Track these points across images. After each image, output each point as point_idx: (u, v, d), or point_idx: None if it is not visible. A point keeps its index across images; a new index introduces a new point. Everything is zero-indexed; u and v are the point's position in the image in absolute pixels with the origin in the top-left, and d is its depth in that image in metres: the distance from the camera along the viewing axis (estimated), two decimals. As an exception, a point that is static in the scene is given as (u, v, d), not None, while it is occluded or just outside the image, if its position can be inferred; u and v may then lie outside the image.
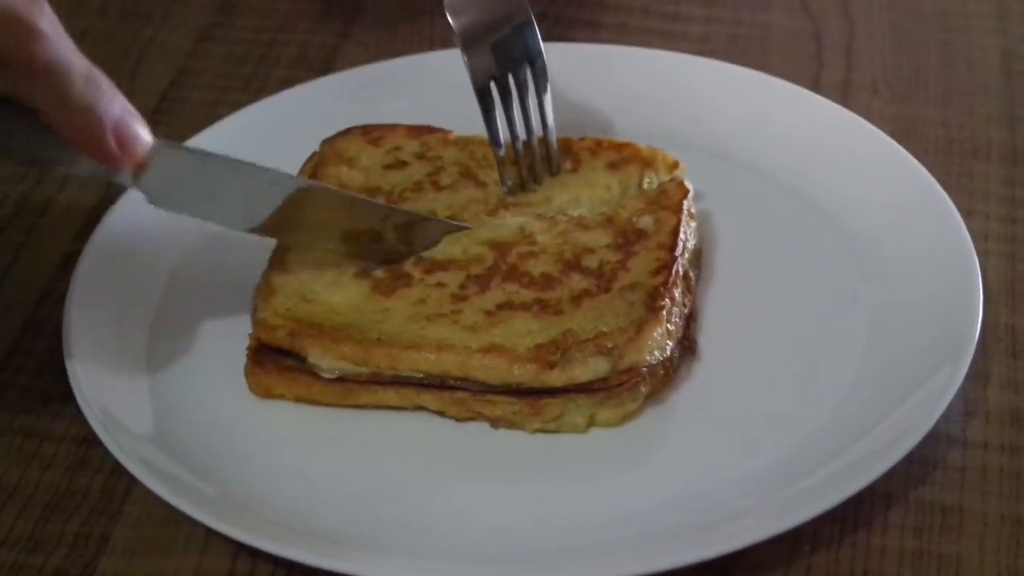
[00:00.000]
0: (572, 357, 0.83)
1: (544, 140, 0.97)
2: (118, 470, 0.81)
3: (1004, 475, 0.83)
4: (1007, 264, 0.96)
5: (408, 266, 0.90)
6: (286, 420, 0.87)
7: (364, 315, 0.87)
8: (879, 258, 0.94)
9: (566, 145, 0.99)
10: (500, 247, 0.91)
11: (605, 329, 0.85)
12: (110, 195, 1.02)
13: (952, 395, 0.82)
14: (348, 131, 1.01)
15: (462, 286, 0.88)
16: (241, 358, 0.88)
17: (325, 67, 1.15)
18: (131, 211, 0.98)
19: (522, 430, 0.85)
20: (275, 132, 1.05)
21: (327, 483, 0.83)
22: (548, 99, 0.96)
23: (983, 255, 0.92)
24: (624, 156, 0.98)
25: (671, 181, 0.96)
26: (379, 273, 0.90)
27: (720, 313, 0.92)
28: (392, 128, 1.01)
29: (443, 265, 0.90)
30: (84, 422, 0.84)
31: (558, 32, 1.19)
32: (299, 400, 0.87)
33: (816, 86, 1.10)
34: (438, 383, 0.85)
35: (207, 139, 1.03)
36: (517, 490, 0.83)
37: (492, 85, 0.96)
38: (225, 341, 0.90)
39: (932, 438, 0.82)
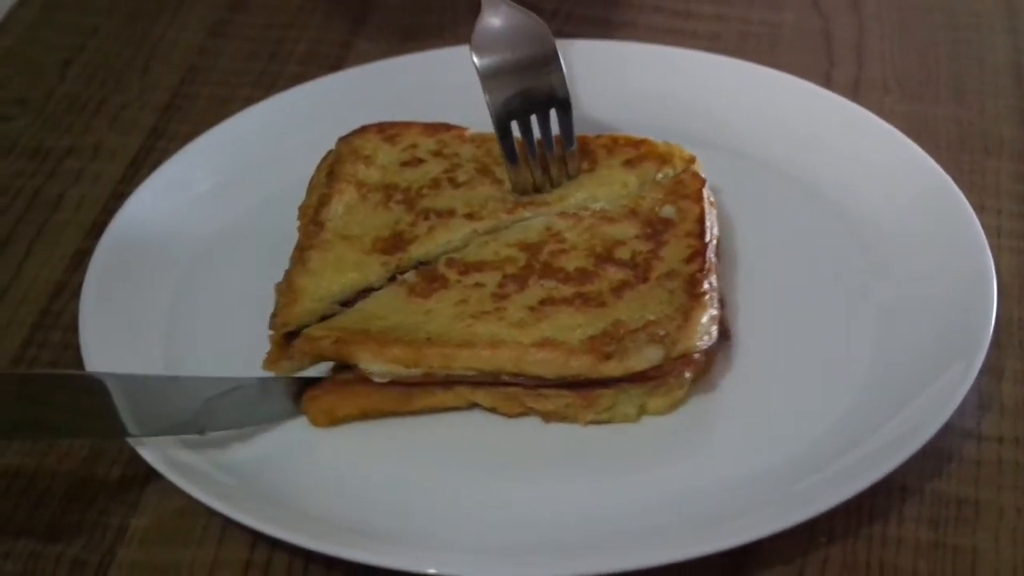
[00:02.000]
0: (627, 347, 0.84)
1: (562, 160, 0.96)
2: (135, 461, 0.81)
3: (1019, 468, 0.83)
4: (1020, 260, 0.96)
5: (441, 268, 0.90)
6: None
7: (408, 317, 0.86)
8: (893, 254, 0.94)
9: (583, 143, 0.99)
10: (530, 247, 0.91)
11: (652, 318, 0.85)
12: (123, 190, 1.02)
13: (967, 389, 0.82)
14: (364, 129, 1.00)
15: (500, 285, 0.88)
16: (255, 347, 0.88)
17: (336, 63, 1.15)
18: (144, 205, 0.98)
19: (575, 423, 0.85)
20: (286, 128, 1.05)
21: (356, 475, 0.83)
22: (572, 136, 0.96)
23: (996, 251, 0.92)
24: (641, 153, 0.98)
25: (685, 171, 0.97)
26: (411, 277, 0.89)
27: (733, 308, 0.92)
28: (408, 125, 1.01)
29: (476, 266, 0.90)
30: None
31: (569, 29, 1.19)
32: (364, 416, 0.86)
33: (827, 84, 1.11)
34: (491, 380, 0.85)
35: (219, 135, 1.04)
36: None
37: (513, 125, 0.95)
38: (240, 332, 0.90)
39: (947, 432, 0.82)
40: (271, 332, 0.87)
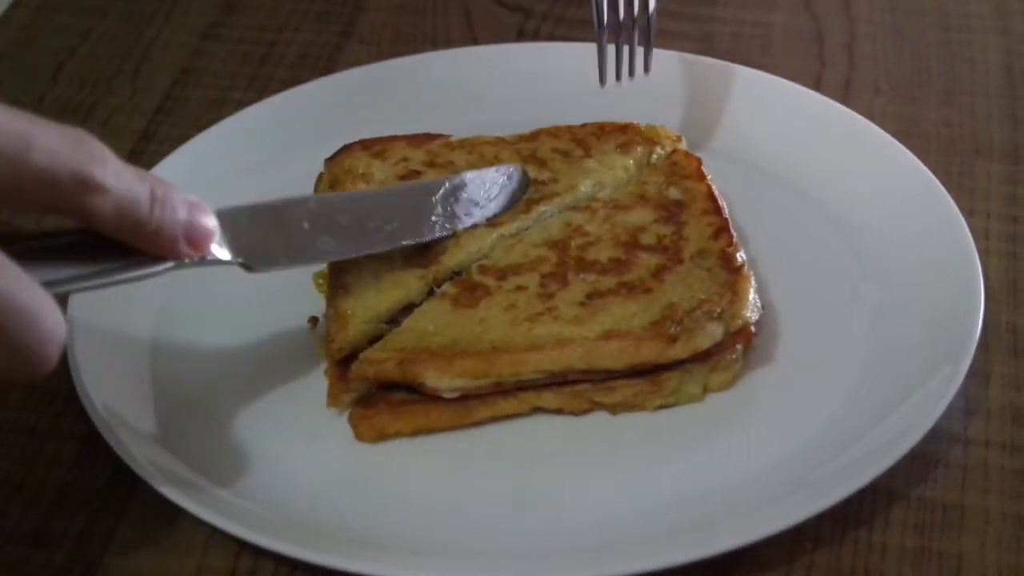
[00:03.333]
0: (690, 327, 0.84)
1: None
2: (122, 468, 0.81)
3: (1005, 473, 0.83)
4: (1008, 263, 0.96)
5: (476, 277, 0.89)
6: (301, 417, 0.87)
7: (464, 330, 0.86)
8: (880, 257, 0.94)
9: (569, 132, 1.00)
10: (557, 245, 0.91)
11: (703, 296, 0.86)
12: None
13: (954, 393, 0.83)
14: (347, 148, 0.99)
15: (542, 285, 0.88)
16: (246, 352, 0.89)
17: (328, 67, 1.15)
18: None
19: (642, 410, 0.86)
20: (278, 132, 1.05)
21: (341, 481, 0.83)
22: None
23: (984, 254, 0.93)
24: (630, 137, 0.99)
25: (676, 152, 0.98)
26: (449, 289, 0.89)
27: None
28: (391, 140, 1.00)
29: (511, 270, 0.90)
30: (88, 420, 0.84)
31: (560, 32, 1.20)
32: (415, 433, 0.85)
33: (818, 85, 1.11)
34: (559, 380, 0.85)
35: (210, 139, 1.04)
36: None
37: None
38: (230, 338, 0.91)
39: (933, 436, 0.82)
40: (327, 360, 0.87)
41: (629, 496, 0.82)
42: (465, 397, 0.84)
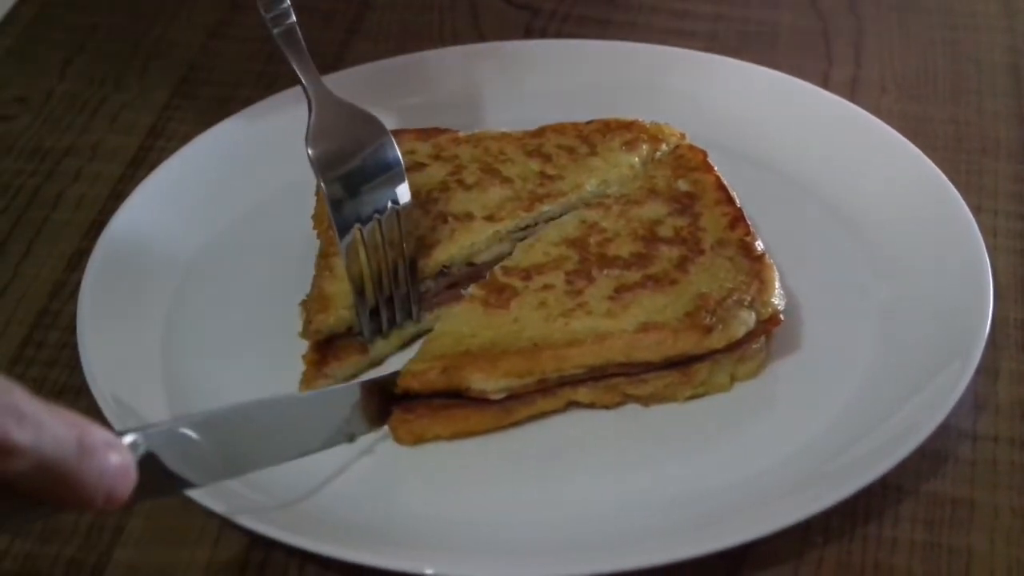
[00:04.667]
0: (724, 317, 0.85)
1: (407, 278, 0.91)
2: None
3: (1015, 469, 0.83)
4: (1017, 260, 0.97)
5: (501, 278, 0.89)
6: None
7: (500, 330, 0.86)
8: (889, 254, 0.94)
9: (575, 129, 1.00)
10: (576, 243, 0.91)
11: (730, 285, 0.87)
12: (122, 189, 1.03)
13: (963, 389, 0.83)
14: None
15: (568, 282, 0.88)
16: (254, 345, 0.89)
17: (335, 63, 1.15)
18: (143, 205, 0.98)
19: (673, 401, 0.86)
20: (285, 128, 1.05)
21: (349, 474, 0.83)
22: (407, 213, 0.89)
23: (993, 251, 0.93)
24: (635, 134, 0.99)
25: (681, 146, 0.98)
26: (477, 291, 0.89)
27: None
28: (399, 132, 1.00)
29: (535, 270, 0.90)
30: (98, 413, 0.84)
31: (568, 30, 1.20)
32: (454, 437, 0.85)
33: (825, 84, 1.11)
34: (596, 376, 0.85)
35: (218, 135, 1.04)
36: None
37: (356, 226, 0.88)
38: (239, 331, 0.91)
39: (943, 432, 0.82)
40: (306, 340, 0.88)
41: (632, 493, 0.82)
42: (506, 398, 0.84)
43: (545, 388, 0.85)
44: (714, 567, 0.77)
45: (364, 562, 0.76)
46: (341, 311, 0.88)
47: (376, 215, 0.88)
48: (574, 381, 0.85)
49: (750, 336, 0.86)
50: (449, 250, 0.92)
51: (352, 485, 0.82)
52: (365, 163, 0.88)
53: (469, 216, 0.94)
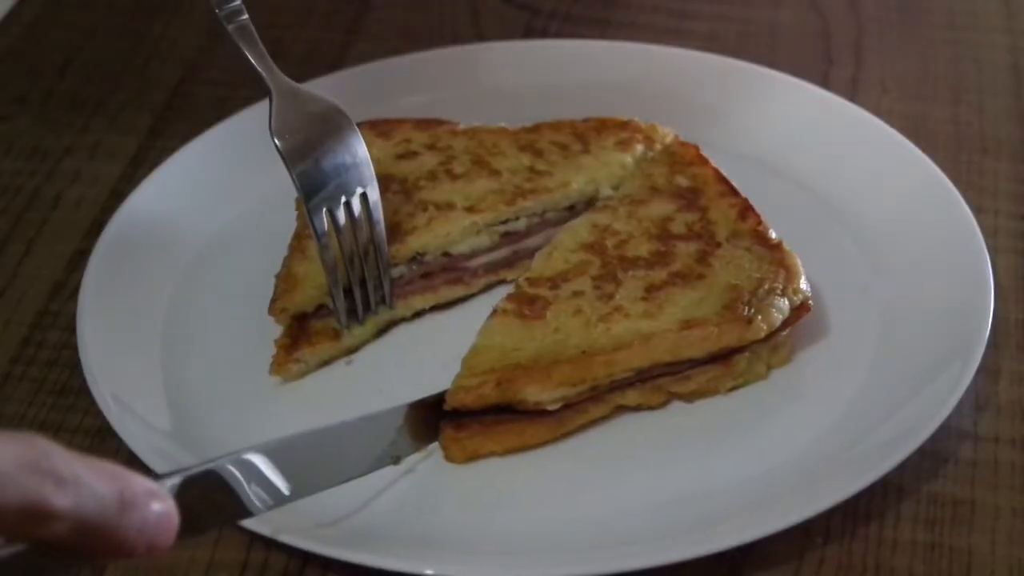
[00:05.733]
0: (761, 308, 0.85)
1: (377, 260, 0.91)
2: (132, 461, 0.81)
3: (1015, 469, 0.83)
4: (1018, 260, 0.96)
5: (527, 289, 0.89)
6: (304, 410, 0.87)
7: (543, 341, 0.85)
8: (890, 254, 0.94)
9: (570, 126, 1.00)
10: (592, 247, 0.91)
11: (758, 275, 0.87)
12: (122, 189, 1.02)
13: (963, 390, 0.83)
14: (357, 125, 1.00)
15: (597, 287, 0.88)
16: (255, 348, 0.89)
17: (335, 63, 1.15)
18: (143, 205, 0.98)
19: (715, 394, 0.87)
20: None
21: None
22: (376, 201, 0.90)
23: (993, 251, 0.93)
24: (629, 134, 0.99)
25: (671, 143, 0.99)
26: (507, 304, 0.88)
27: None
28: (400, 122, 1.02)
29: (561, 277, 0.90)
30: (98, 414, 0.84)
31: (568, 29, 1.20)
32: (507, 452, 0.84)
33: (825, 84, 1.11)
34: (643, 378, 0.85)
35: (217, 135, 1.04)
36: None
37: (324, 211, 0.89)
38: (239, 332, 0.91)
39: (944, 432, 0.82)
40: (272, 317, 0.89)
41: (632, 494, 0.82)
42: (559, 408, 0.84)
43: (596, 395, 0.84)
44: (714, 567, 0.77)
45: (366, 563, 0.76)
46: (309, 291, 0.89)
47: (345, 198, 0.88)
48: (623, 385, 0.85)
49: (784, 324, 0.86)
50: (423, 237, 0.92)
51: (355, 485, 0.81)
52: (330, 147, 0.89)
53: (450, 206, 0.94)
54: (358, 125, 1.00)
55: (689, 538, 0.77)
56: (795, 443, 0.84)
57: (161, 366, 0.89)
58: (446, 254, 0.93)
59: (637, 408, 0.86)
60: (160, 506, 0.61)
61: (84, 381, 0.86)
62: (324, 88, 1.07)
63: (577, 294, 0.88)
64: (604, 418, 0.86)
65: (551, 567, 0.77)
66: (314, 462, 0.76)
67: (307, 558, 0.78)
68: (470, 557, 0.78)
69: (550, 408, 0.83)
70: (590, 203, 0.96)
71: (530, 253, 0.95)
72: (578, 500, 0.82)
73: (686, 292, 0.87)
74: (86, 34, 1.22)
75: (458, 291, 0.94)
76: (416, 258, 0.92)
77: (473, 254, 0.94)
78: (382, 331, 0.93)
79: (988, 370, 0.88)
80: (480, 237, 0.94)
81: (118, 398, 0.84)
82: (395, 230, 0.92)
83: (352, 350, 0.91)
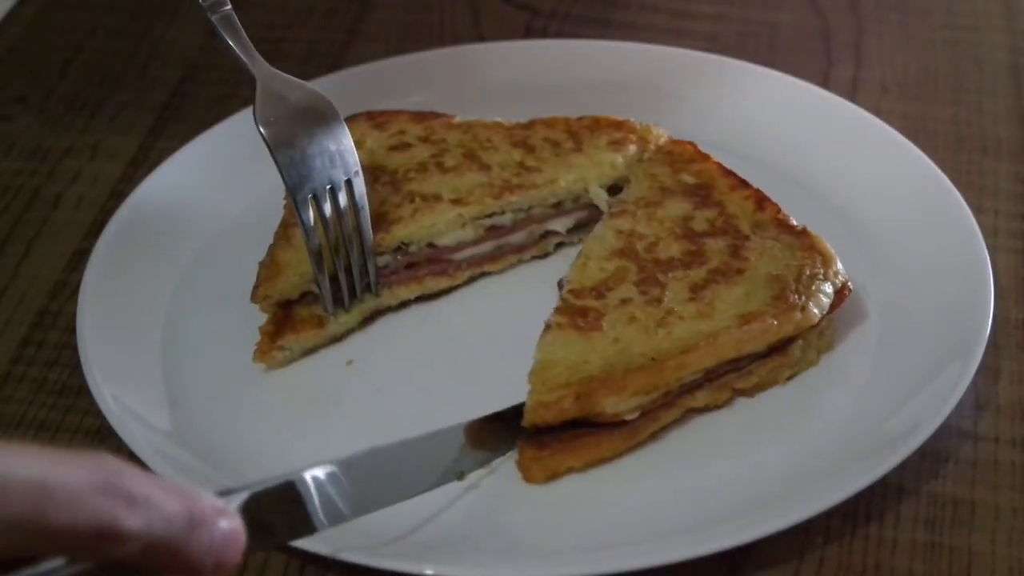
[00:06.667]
0: (809, 294, 0.86)
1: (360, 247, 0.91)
2: (132, 462, 0.80)
3: (1015, 469, 0.83)
4: (1017, 260, 0.97)
5: (573, 301, 0.88)
6: (304, 411, 0.88)
7: (607, 352, 0.85)
8: (890, 254, 0.94)
9: (565, 123, 1.00)
10: (624, 253, 0.91)
11: (796, 263, 0.88)
12: (122, 189, 1.02)
13: (963, 390, 0.83)
14: (354, 117, 1.01)
15: (642, 292, 0.88)
16: (254, 348, 0.89)
17: (335, 63, 1.15)
18: (143, 205, 0.98)
19: (775, 385, 0.87)
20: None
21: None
22: (361, 186, 0.90)
23: (993, 251, 0.93)
24: (624, 134, 0.99)
25: (666, 143, 0.99)
26: (559, 318, 0.87)
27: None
28: (396, 114, 1.02)
29: (603, 285, 0.89)
30: (98, 414, 0.84)
31: (568, 29, 1.20)
32: (586, 467, 0.83)
33: (825, 84, 1.11)
34: (712, 377, 0.85)
35: (217, 135, 1.04)
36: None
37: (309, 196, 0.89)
38: (239, 333, 0.91)
39: (944, 432, 0.82)
40: (254, 303, 0.89)
41: (632, 495, 0.82)
42: (626, 420, 0.83)
43: (668, 401, 0.84)
44: (714, 567, 0.77)
45: (365, 563, 0.76)
46: (292, 278, 0.89)
47: (330, 184, 0.88)
48: (691, 387, 0.85)
49: (830, 308, 0.87)
50: (408, 227, 0.92)
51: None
52: (315, 134, 0.89)
53: (437, 198, 0.95)
54: (355, 116, 1.00)
55: (689, 538, 0.77)
56: (794, 443, 0.84)
57: (161, 366, 0.89)
58: (431, 245, 0.94)
59: (705, 409, 0.86)
60: (228, 524, 0.61)
61: (84, 381, 0.86)
62: (324, 88, 1.08)
63: (626, 301, 0.88)
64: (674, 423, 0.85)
65: (551, 567, 0.77)
66: (378, 479, 0.76)
67: (307, 559, 0.78)
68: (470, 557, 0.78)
69: (628, 418, 0.82)
70: (577, 201, 0.96)
71: (515, 248, 0.95)
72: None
73: (731, 288, 0.87)
74: (86, 34, 1.22)
75: (442, 283, 0.95)
76: (401, 248, 0.93)
77: (458, 246, 0.94)
78: (367, 320, 0.93)
79: (988, 370, 0.88)
80: (465, 230, 0.94)
81: (118, 398, 0.84)
82: (381, 219, 0.92)
83: (337, 338, 0.92)
